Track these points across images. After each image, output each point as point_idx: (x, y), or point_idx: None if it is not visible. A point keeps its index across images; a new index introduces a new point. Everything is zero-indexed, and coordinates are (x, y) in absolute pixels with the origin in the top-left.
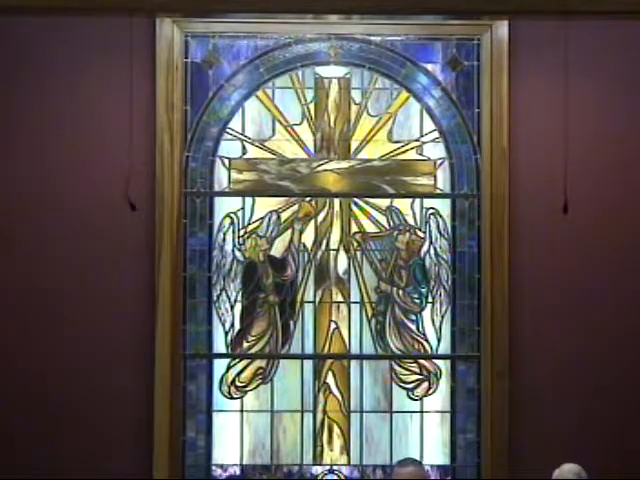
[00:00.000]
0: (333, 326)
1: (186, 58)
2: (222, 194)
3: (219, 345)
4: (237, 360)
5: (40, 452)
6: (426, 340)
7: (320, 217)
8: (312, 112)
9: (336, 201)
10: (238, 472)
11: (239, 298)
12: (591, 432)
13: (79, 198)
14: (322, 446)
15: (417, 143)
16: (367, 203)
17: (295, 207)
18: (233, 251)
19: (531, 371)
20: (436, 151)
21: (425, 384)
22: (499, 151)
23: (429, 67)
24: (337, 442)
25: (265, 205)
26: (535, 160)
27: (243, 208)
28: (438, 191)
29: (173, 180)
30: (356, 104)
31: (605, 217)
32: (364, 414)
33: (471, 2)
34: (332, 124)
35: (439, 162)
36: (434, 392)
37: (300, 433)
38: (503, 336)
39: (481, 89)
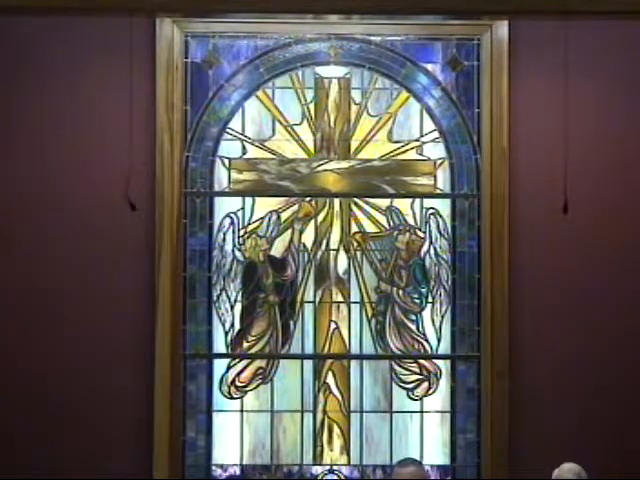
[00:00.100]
0: (333, 326)
1: (186, 58)
2: (222, 194)
3: (219, 345)
4: (237, 360)
5: (40, 452)
6: (426, 340)
7: (320, 217)
8: (312, 112)
9: (336, 201)
10: (238, 472)
11: (239, 298)
12: (591, 432)
13: (79, 198)
14: (322, 446)
15: (417, 143)
16: (367, 203)
17: (295, 207)
18: (233, 251)
19: (531, 371)
20: (436, 151)
21: (425, 384)
22: (499, 151)
23: (429, 67)
24: (337, 442)
25: (265, 205)
26: (535, 160)
27: (243, 208)
28: (438, 191)
29: (173, 180)
30: (356, 104)
31: (605, 217)
32: (364, 414)
33: (471, 2)
34: (332, 124)
35: (439, 162)
36: (434, 392)
37: (300, 433)
38: (503, 336)
39: (481, 89)
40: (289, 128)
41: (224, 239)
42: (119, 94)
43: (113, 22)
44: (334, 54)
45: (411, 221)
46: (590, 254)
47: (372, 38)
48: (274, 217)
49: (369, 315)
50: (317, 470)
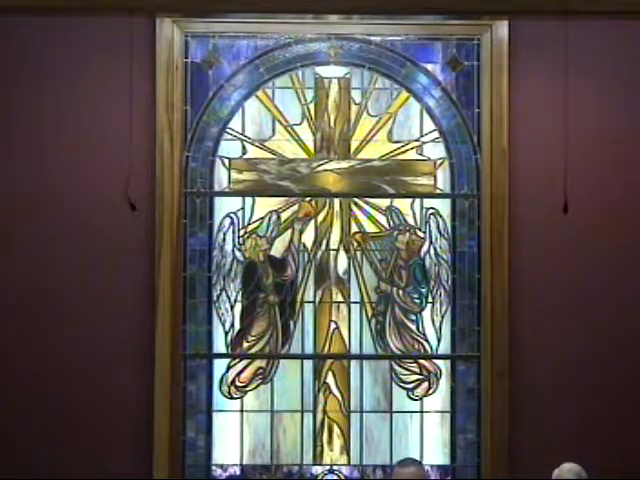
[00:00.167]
0: (333, 326)
1: (186, 58)
2: (222, 194)
3: (219, 345)
4: (237, 360)
5: (40, 452)
6: (426, 340)
7: (320, 217)
8: (312, 112)
9: (336, 201)
10: (238, 472)
11: (239, 298)
12: (591, 432)
13: (79, 198)
14: (322, 446)
15: (417, 143)
16: (367, 203)
17: (295, 207)
18: (233, 251)
19: (531, 371)
20: (436, 151)
21: (425, 384)
22: (499, 151)
23: (429, 67)
24: (337, 442)
25: (265, 205)
26: (535, 160)
27: (243, 208)
28: (438, 191)
29: (173, 180)
30: (356, 104)
31: (605, 217)
32: (364, 414)
33: (471, 2)
34: (332, 124)
35: (439, 162)
36: (434, 392)
37: (300, 433)
38: (503, 336)
39: (481, 89)
40: (289, 128)
41: (224, 239)
42: (119, 94)
43: (113, 22)
44: (334, 54)
45: (411, 221)
46: (590, 254)
47: (372, 38)
48: (274, 217)
49: (369, 315)
50: (317, 470)
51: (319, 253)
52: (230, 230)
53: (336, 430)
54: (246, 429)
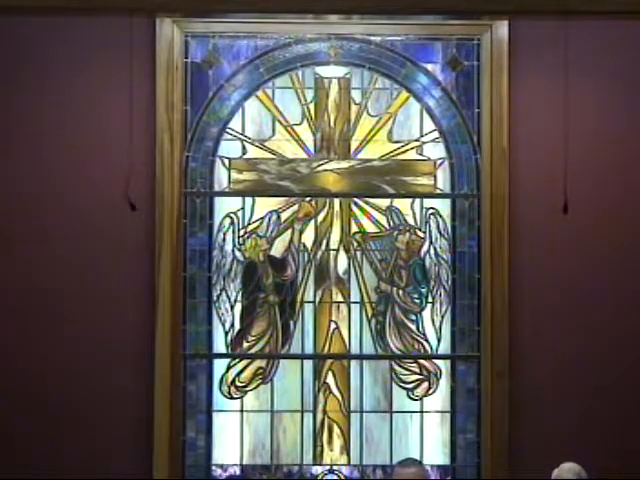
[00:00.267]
0: (333, 326)
1: (186, 58)
2: (222, 194)
3: (219, 345)
4: (237, 360)
5: (40, 452)
6: (426, 340)
7: (320, 217)
8: (312, 112)
9: (336, 201)
10: (238, 472)
11: (239, 298)
12: (591, 432)
13: (79, 198)
14: (322, 446)
15: (417, 143)
16: (367, 203)
17: (295, 207)
18: (233, 251)
19: (531, 371)
20: (436, 151)
21: (425, 384)
22: (499, 151)
23: (429, 67)
24: (337, 442)
25: (265, 205)
26: (535, 160)
27: (243, 208)
28: (438, 191)
29: (173, 180)
30: (356, 104)
31: (605, 217)
32: (364, 414)
33: (471, 2)
34: (332, 124)
35: (439, 162)
36: (434, 392)
37: (300, 433)
38: (503, 336)
39: (481, 89)
40: (289, 128)
41: (224, 239)
42: (119, 94)
43: (113, 22)
44: (334, 54)
45: (411, 221)
46: (590, 254)
47: (372, 38)
48: (274, 217)
49: (369, 315)
50: (317, 470)
51: (319, 253)
52: (230, 230)
53: (336, 430)
54: (246, 429)
